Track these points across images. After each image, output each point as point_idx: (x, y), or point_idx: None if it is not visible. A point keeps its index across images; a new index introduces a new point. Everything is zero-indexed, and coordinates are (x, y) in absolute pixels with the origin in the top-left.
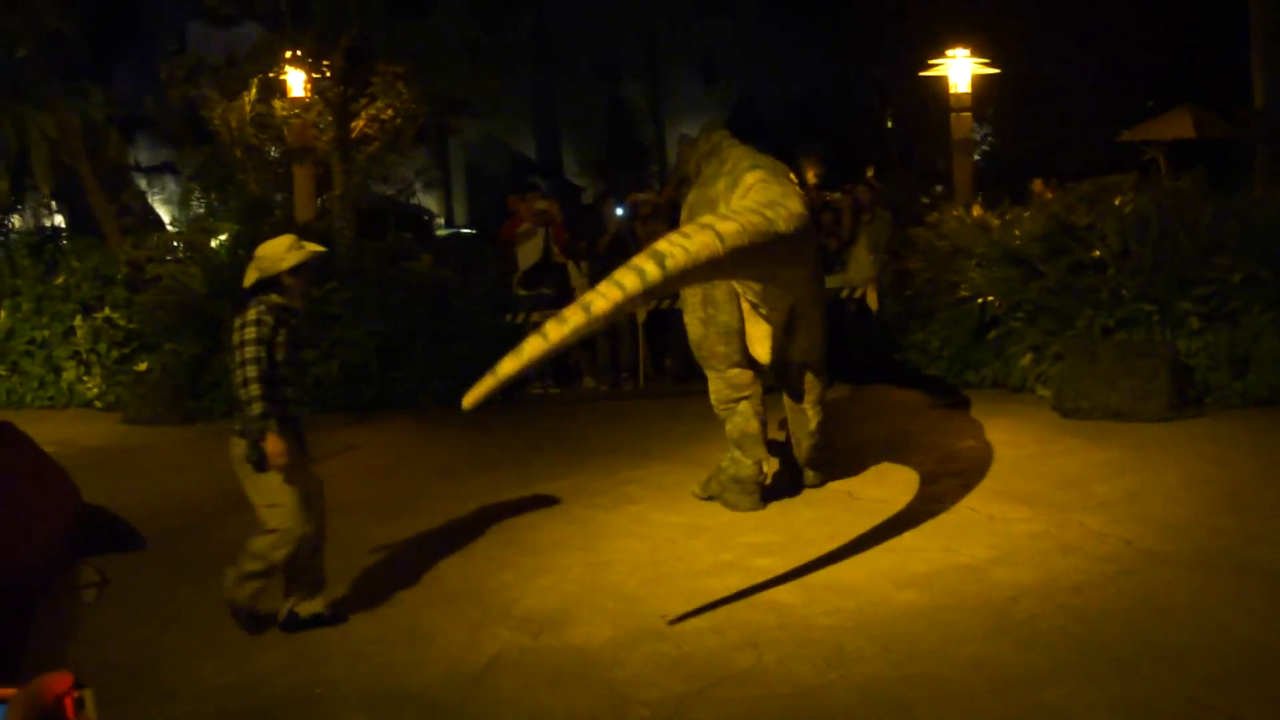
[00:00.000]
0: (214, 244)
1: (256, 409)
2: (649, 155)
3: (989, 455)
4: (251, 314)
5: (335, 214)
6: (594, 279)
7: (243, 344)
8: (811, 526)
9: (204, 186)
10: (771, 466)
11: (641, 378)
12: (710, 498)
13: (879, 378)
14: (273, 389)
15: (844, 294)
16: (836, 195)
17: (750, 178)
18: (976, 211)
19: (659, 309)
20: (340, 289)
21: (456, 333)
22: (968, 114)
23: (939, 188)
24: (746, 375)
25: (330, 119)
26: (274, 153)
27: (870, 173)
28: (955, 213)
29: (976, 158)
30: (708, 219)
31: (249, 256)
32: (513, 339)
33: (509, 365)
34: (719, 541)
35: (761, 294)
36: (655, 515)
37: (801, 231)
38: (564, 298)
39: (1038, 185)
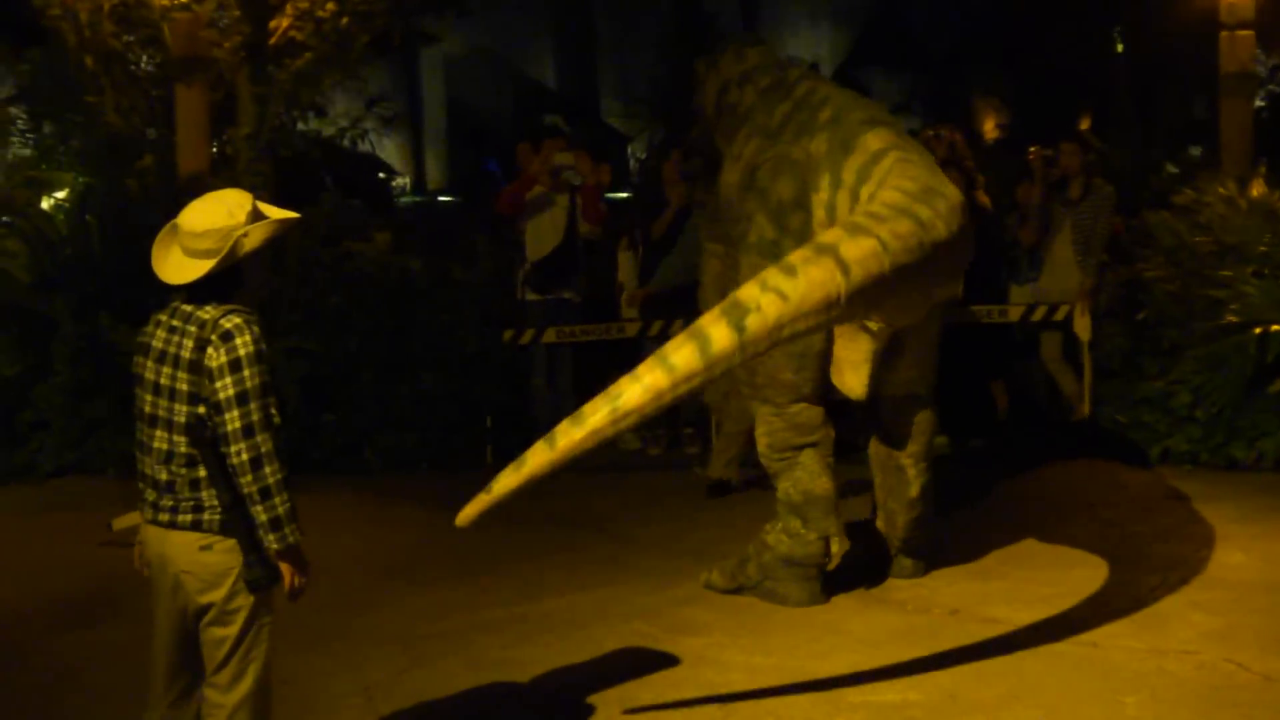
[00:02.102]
0: (47, 204)
1: (282, 504)
2: None
3: (1266, 579)
4: (245, 338)
5: (241, 163)
6: (646, 276)
7: (243, 395)
8: (976, 680)
9: (32, 114)
10: (843, 546)
11: (714, 436)
12: (739, 589)
13: (1090, 448)
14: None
15: (1037, 315)
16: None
17: (873, 140)
18: (1258, 189)
19: None
20: None
21: (425, 358)
22: (1248, 33)
23: (1196, 149)
24: (817, 414)
25: (237, 14)
26: (146, 64)
27: (1085, 124)
28: (1222, 190)
29: (1260, 103)
30: (828, 237)
31: (122, 226)
32: (515, 370)
33: (507, 480)
34: (831, 699)
35: (900, 304)
36: (730, 654)
37: (965, 231)
38: (600, 306)
39: None
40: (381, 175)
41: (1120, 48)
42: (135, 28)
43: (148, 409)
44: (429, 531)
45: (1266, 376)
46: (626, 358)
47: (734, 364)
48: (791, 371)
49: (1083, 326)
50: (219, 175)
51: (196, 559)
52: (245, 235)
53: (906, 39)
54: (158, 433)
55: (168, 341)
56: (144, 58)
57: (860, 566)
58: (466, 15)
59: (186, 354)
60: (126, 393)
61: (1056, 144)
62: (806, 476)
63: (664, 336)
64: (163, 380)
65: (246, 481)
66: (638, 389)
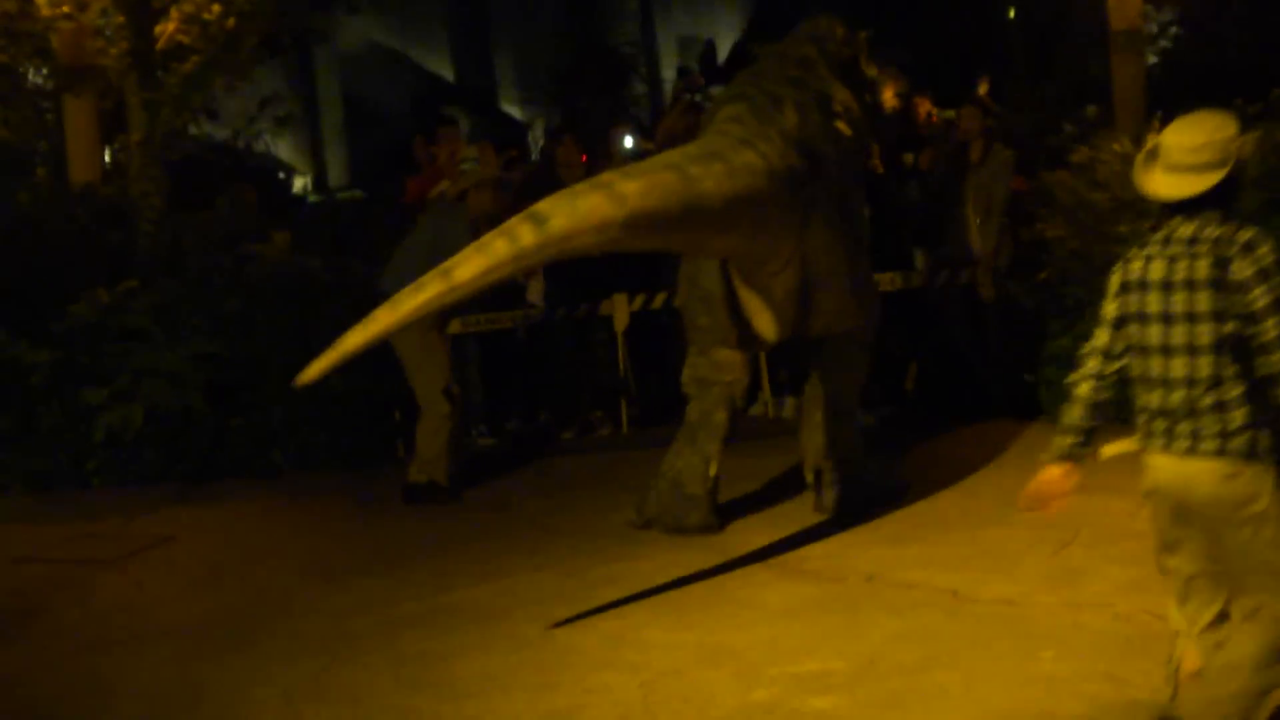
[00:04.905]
0: None
1: None
2: (632, 69)
3: None
4: (1267, 247)
5: (133, 171)
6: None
7: (1278, 302)
8: (895, 644)
9: None
10: (714, 471)
11: (625, 419)
12: (648, 524)
13: (997, 409)
14: None
15: (940, 279)
16: (934, 117)
17: (720, 115)
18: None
19: (647, 311)
20: (144, 291)
21: None
22: None
23: (1091, 109)
24: (735, 358)
25: (121, 20)
26: (33, 76)
27: (983, 88)
28: (1117, 147)
29: (1152, 60)
30: (609, 175)
31: (15, 241)
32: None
33: (356, 338)
34: (750, 671)
35: (731, 261)
36: (649, 633)
37: (756, 190)
38: (504, 294)
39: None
40: (281, 175)
41: (1012, 13)
42: (20, 40)
43: (1155, 340)
44: (343, 529)
45: None
46: (533, 343)
47: (532, 258)
48: (705, 315)
49: (986, 287)
50: (111, 185)
51: (1221, 488)
52: (1241, 143)
53: (803, 13)
54: (1173, 361)
55: (1171, 269)
56: (30, 69)
57: (775, 539)
58: (356, 12)
59: (1203, 274)
60: (27, 408)
61: (952, 110)
62: (711, 403)
63: (570, 320)
64: (1174, 308)
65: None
66: (465, 267)
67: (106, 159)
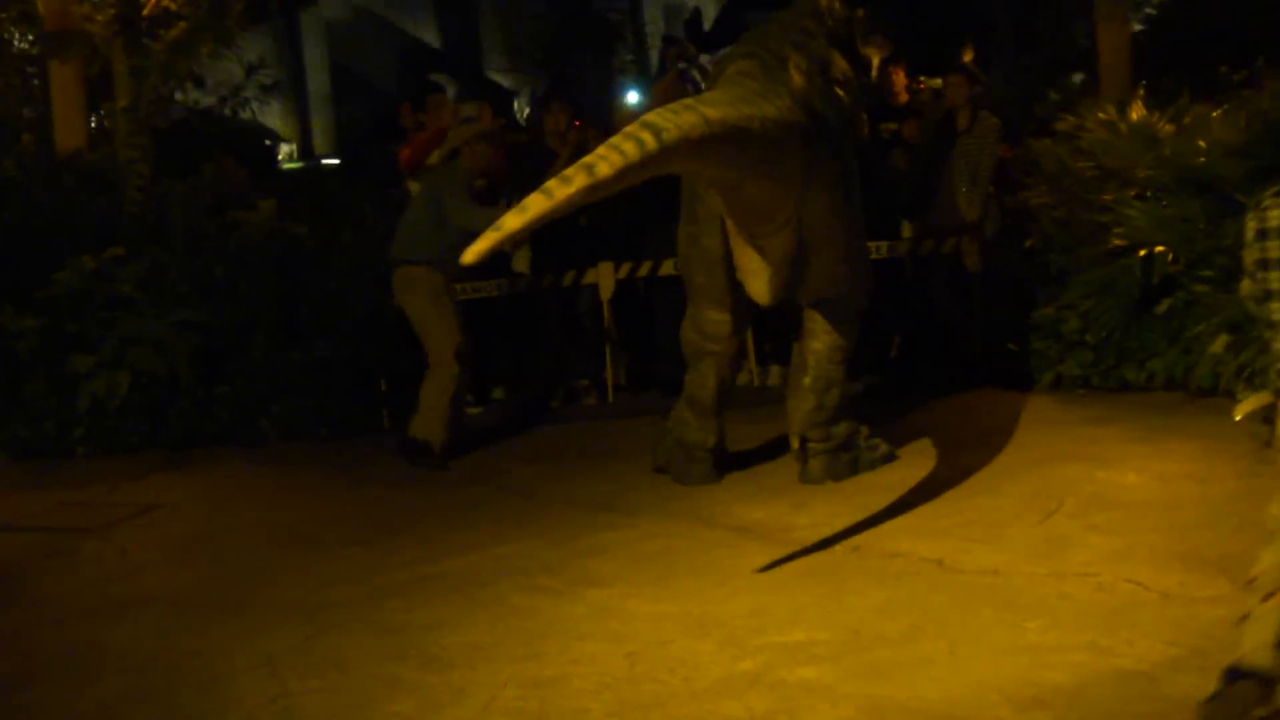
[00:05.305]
0: None
1: None
2: (619, 36)
3: (1161, 498)
4: None
5: (119, 138)
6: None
7: None
8: (880, 615)
9: None
10: (714, 437)
11: (610, 388)
12: (660, 469)
13: (982, 378)
14: None
15: (925, 248)
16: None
17: (731, 69)
18: (1137, 112)
19: (632, 280)
20: (130, 259)
21: (316, 325)
22: None
23: (1077, 76)
24: (725, 325)
25: None
26: (19, 42)
27: (969, 56)
28: (1102, 114)
29: (1138, 27)
30: (690, 100)
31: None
32: (407, 332)
33: (514, 221)
34: (735, 642)
35: (737, 214)
36: (634, 603)
37: (778, 141)
38: (491, 262)
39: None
40: (266, 142)
41: None
42: (6, 5)
43: None
44: (329, 498)
45: (1153, 298)
46: (520, 311)
47: (652, 165)
48: (703, 274)
49: (971, 256)
50: (97, 152)
51: None
52: None
53: None
54: None
55: None
56: (15, 35)
57: (760, 509)
58: None
59: None
60: (12, 376)
61: (939, 78)
62: (699, 380)
63: (557, 288)
64: None
65: None
66: (605, 164)
67: (92, 125)
